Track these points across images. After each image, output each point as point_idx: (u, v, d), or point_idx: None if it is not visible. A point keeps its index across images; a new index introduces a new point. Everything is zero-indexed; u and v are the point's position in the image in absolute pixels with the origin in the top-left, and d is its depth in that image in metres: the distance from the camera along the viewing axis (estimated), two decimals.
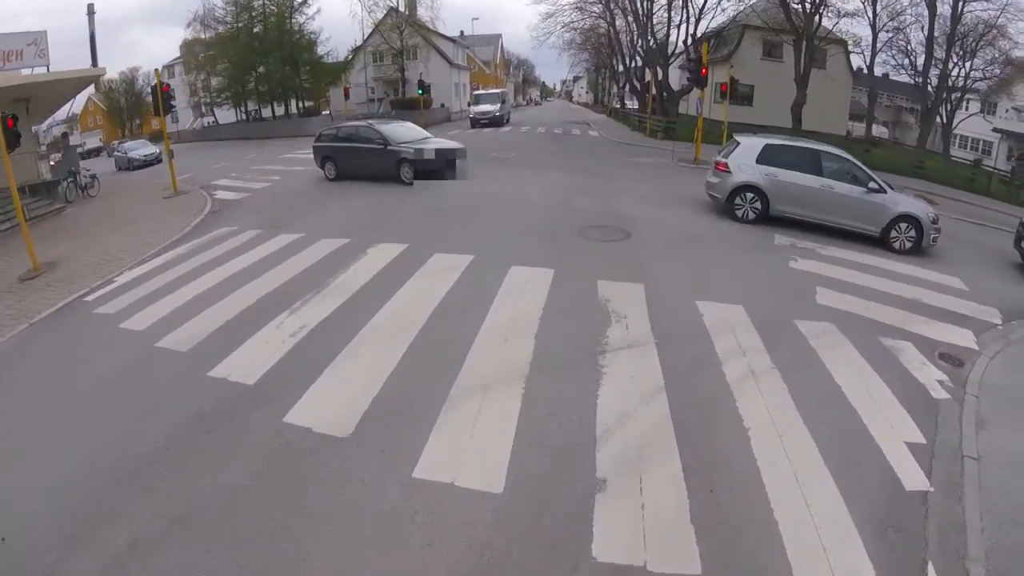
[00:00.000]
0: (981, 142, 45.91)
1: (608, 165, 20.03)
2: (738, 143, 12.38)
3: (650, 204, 13.41)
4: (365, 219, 12.50)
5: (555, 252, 9.78)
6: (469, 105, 43.47)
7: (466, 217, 12.30)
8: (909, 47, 33.78)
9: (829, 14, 30.00)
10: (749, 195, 11.95)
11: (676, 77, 37.55)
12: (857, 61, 40.57)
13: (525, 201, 13.70)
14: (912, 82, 35.98)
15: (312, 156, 18.57)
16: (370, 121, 17.43)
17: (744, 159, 12.02)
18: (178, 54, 56.39)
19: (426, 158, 15.90)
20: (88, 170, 22.31)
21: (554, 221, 11.77)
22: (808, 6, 28.89)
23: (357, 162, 17.06)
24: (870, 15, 31.32)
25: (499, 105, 38.81)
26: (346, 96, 36.95)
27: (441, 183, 15.86)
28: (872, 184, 11.26)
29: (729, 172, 12.11)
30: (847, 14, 30.90)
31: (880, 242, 11.29)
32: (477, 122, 37.99)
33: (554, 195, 14.29)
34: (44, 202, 18.62)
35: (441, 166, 16.10)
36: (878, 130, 60.82)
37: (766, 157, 11.87)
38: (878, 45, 32.55)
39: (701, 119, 19.88)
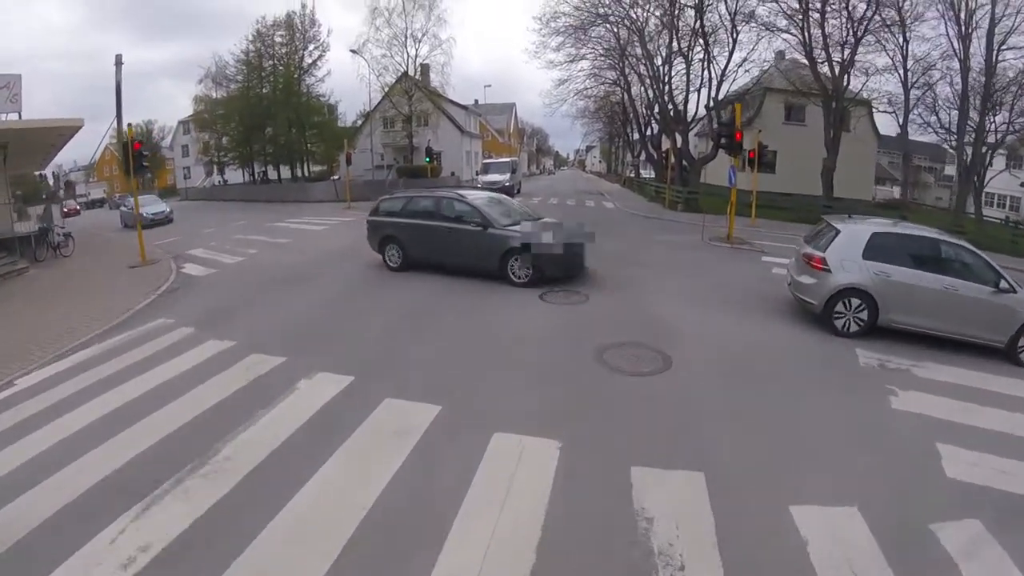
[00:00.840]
0: (1009, 198, 43.67)
1: (628, 243, 17.50)
2: (836, 231, 9.51)
3: (688, 303, 10.60)
4: (318, 318, 10.14)
5: (563, 398, 6.72)
6: (477, 174, 41.21)
7: (443, 325, 9.56)
8: (936, 104, 31.60)
9: (857, 72, 27.97)
10: (854, 301, 9.10)
11: (693, 144, 35.75)
12: (880, 122, 38.90)
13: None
14: (941, 140, 33.82)
15: (367, 235, 14.17)
16: (460, 192, 13.40)
17: (847, 253, 9.17)
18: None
19: (552, 250, 11.38)
20: (62, 228, 21.23)
21: (563, 333, 8.99)
22: (836, 65, 26.97)
23: (439, 248, 12.66)
24: (900, 73, 29.18)
25: (509, 175, 35.87)
26: (348, 162, 35.11)
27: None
28: (1002, 283, 8.63)
29: (828, 270, 9.22)
30: (877, 71, 28.82)
31: (1004, 355, 8.60)
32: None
33: None
34: (7, 260, 16.99)
35: (568, 260, 11.81)
36: (899, 191, 58.93)
37: (875, 250, 9.08)
38: (909, 103, 30.25)
39: (735, 192, 17.46)
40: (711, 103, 29.04)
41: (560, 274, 11.64)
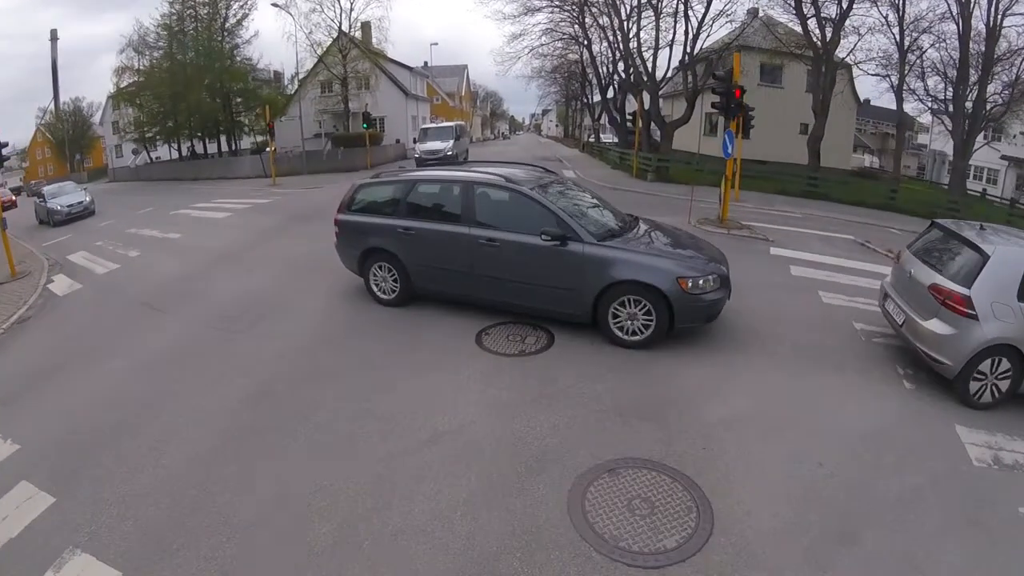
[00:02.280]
0: (986, 170, 41.64)
1: None
2: (981, 254, 5.89)
3: (709, 347, 7.02)
4: (126, 398, 6.41)
5: None
6: (414, 141, 34.56)
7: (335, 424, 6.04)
8: (924, 71, 28.79)
9: (846, 31, 24.81)
10: (1002, 363, 5.75)
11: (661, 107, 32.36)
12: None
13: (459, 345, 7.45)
14: (926, 108, 31.14)
15: (336, 243, 8.97)
16: (503, 173, 7.79)
17: (1000, 290, 5.69)
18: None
19: (716, 295, 6.80)
20: None
21: (505, 446, 5.28)
22: (825, 21, 23.76)
23: (474, 273, 7.53)
24: (895, 33, 26.07)
25: (451, 142, 30.43)
26: (270, 133, 30.60)
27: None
28: None
29: (973, 316, 5.71)
30: (869, 30, 25.75)
31: None
32: (423, 163, 27.89)
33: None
34: None
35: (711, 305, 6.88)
36: (869, 159, 57.12)
37: None
38: (905, 66, 27.21)
39: (732, 164, 14.10)
40: (686, 58, 25.56)
41: (698, 324, 7.07)
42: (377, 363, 6.54)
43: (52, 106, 68.00)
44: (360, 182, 8.85)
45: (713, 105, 14.13)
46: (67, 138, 65.69)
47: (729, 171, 13.84)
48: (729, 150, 13.88)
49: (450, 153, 29.19)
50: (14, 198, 35.00)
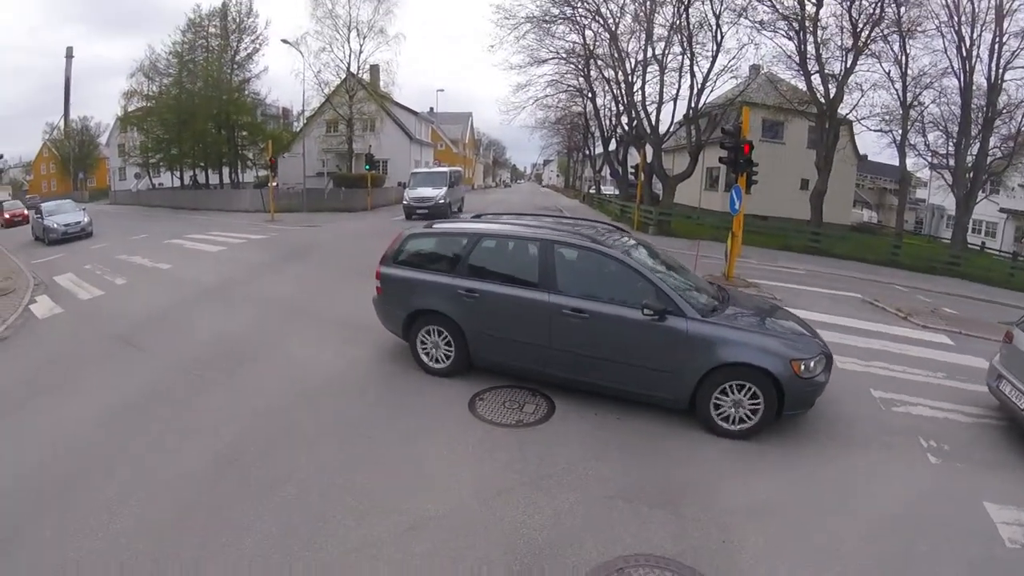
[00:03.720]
0: (985, 224, 41.69)
1: None
2: None
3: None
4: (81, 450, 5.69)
5: None
6: (403, 187, 30.77)
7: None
8: (925, 126, 28.99)
9: (849, 87, 24.94)
10: None
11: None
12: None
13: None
14: (927, 163, 31.24)
15: (377, 300, 7.82)
16: (590, 234, 6.94)
17: None
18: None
19: (819, 380, 6.01)
20: None
21: (499, 537, 4.62)
22: (829, 78, 23.88)
23: (551, 345, 6.50)
24: (898, 89, 26.24)
25: (444, 189, 27.56)
26: (272, 169, 30.41)
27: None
28: None
29: None
30: (872, 87, 25.93)
31: None
32: (413, 211, 26.94)
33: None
34: None
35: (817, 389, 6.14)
36: (868, 214, 57.23)
37: None
38: (907, 121, 27.34)
39: (739, 221, 13.72)
40: (690, 112, 25.59)
41: (802, 411, 6.22)
42: (358, 427, 5.89)
43: (61, 123, 68.56)
44: (410, 231, 7.75)
45: (721, 160, 13.85)
46: (72, 156, 65.84)
47: (736, 227, 13.45)
48: (736, 206, 13.53)
49: (442, 202, 26.96)
50: (25, 212, 34.29)
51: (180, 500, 4.67)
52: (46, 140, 72.83)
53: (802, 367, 5.72)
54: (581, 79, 34.19)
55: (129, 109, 43.95)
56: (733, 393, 5.84)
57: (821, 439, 6.02)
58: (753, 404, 5.83)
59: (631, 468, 5.27)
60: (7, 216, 28.67)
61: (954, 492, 5.30)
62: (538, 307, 6.41)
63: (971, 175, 25.92)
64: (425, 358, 7.30)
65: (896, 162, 30.75)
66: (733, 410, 5.89)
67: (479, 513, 4.53)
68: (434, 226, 7.96)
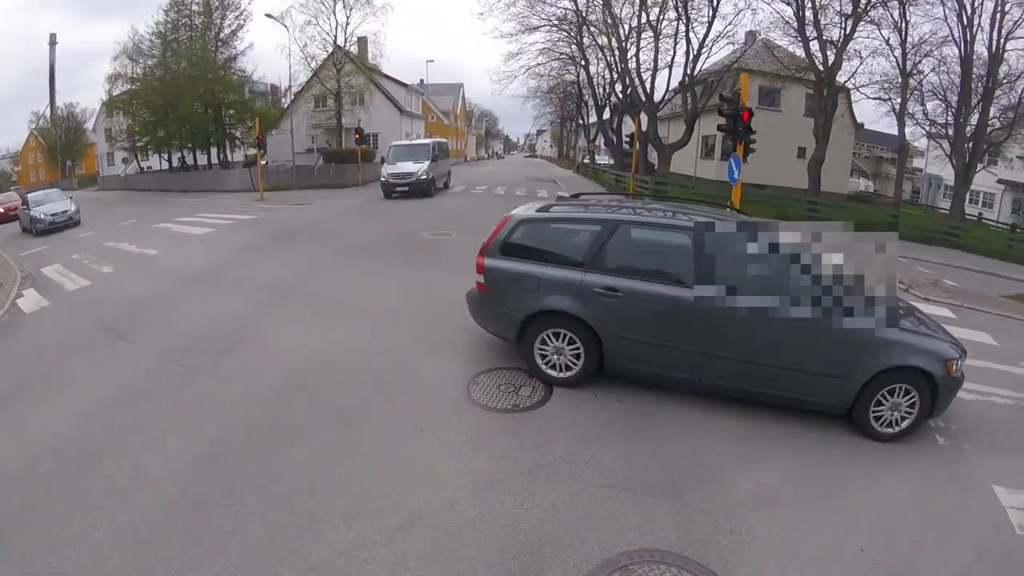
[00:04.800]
0: (982, 194, 41.38)
1: None
2: None
3: (718, 400, 6.09)
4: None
5: None
6: (382, 162, 27.68)
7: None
8: (924, 95, 28.57)
9: (848, 54, 24.45)
10: None
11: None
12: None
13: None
14: (926, 132, 30.89)
15: (474, 299, 6.89)
16: (749, 220, 6.55)
17: None
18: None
19: (960, 373, 5.82)
20: None
21: (495, 534, 4.45)
22: (828, 45, 23.35)
23: (716, 356, 5.74)
24: (897, 57, 25.73)
25: (426, 163, 24.93)
26: (260, 145, 29.86)
27: None
28: None
29: None
30: (871, 54, 25.45)
31: None
32: (392, 190, 24.65)
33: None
34: None
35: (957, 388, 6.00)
36: (864, 183, 56.86)
37: None
38: (907, 90, 26.88)
39: (738, 190, 13.40)
40: (686, 79, 25.11)
41: (941, 411, 5.88)
42: (348, 416, 5.67)
43: (47, 111, 67.29)
44: (522, 214, 6.58)
45: (719, 127, 13.47)
46: (59, 144, 64.76)
47: (735, 197, 13.15)
48: (735, 175, 13.19)
49: (424, 177, 24.57)
50: (17, 203, 32.70)
51: (164, 501, 4.47)
52: (32, 130, 71.51)
53: (955, 367, 5.50)
54: (574, 46, 33.61)
55: (114, 93, 42.88)
56: (895, 396, 5.53)
57: (828, 418, 5.83)
58: (909, 408, 5.55)
59: (633, 455, 5.07)
60: (2, 209, 27.86)
61: (963, 476, 5.17)
62: (696, 308, 5.56)
63: (970, 146, 25.58)
64: (544, 366, 6.28)
65: (894, 131, 30.41)
66: (891, 413, 5.57)
67: (474, 509, 4.33)
68: (553, 210, 6.75)
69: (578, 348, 6.09)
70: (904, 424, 5.58)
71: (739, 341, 5.56)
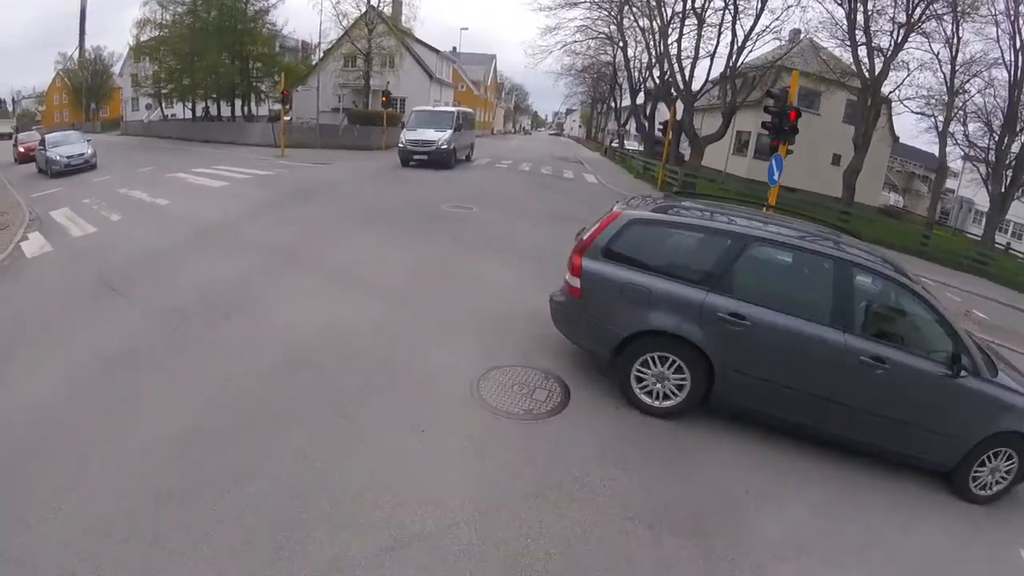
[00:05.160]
0: (1013, 224, 40.05)
1: None
2: None
3: (746, 422, 5.60)
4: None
5: None
6: (402, 126, 26.24)
7: None
8: (967, 116, 27.40)
9: (895, 66, 23.41)
10: None
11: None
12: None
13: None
14: (965, 155, 29.65)
15: (559, 308, 6.01)
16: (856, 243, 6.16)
17: None
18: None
19: None
20: None
21: (495, 568, 4.12)
22: (876, 51, 22.33)
23: (839, 403, 5.14)
24: (945, 72, 24.61)
25: (449, 132, 23.39)
26: (284, 100, 29.28)
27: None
28: None
29: None
30: (919, 67, 24.40)
31: None
32: (409, 157, 23.40)
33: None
34: None
35: None
36: (895, 198, 55.59)
37: None
38: (952, 107, 25.77)
39: (775, 193, 12.72)
40: (728, 71, 24.19)
41: None
42: (343, 406, 5.17)
43: (76, 53, 66.88)
44: (635, 213, 5.63)
45: (764, 125, 12.81)
46: (85, 86, 64.39)
47: (772, 199, 12.50)
48: (775, 176, 12.54)
49: (445, 147, 23.00)
50: (37, 143, 32.35)
51: (132, 490, 4.01)
52: (59, 71, 71.21)
53: None
54: (613, 27, 32.58)
55: (142, 38, 42.47)
56: (997, 459, 5.16)
57: (858, 460, 5.33)
58: (1007, 471, 5.20)
59: (653, 481, 4.58)
60: (22, 149, 27.52)
61: (989, 536, 4.99)
62: (830, 348, 4.95)
63: (1010, 174, 24.55)
64: (640, 392, 5.46)
65: (928, 147, 29.37)
66: (990, 477, 5.20)
67: (475, 534, 3.83)
68: (672, 211, 5.87)
69: (684, 377, 5.30)
70: (997, 488, 5.24)
71: (872, 391, 5.02)
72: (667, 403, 5.41)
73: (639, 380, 5.44)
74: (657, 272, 5.32)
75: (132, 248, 10.30)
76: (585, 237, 5.59)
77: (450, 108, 26.83)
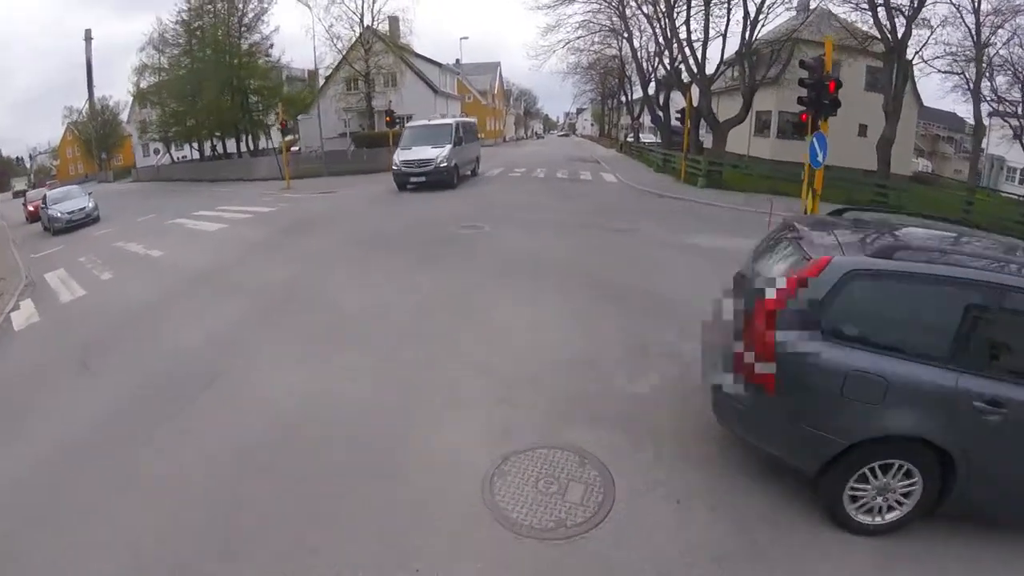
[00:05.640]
0: None
1: (665, 267, 10.90)
2: None
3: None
4: None
5: None
6: (397, 146, 22.86)
7: None
8: (992, 69, 25.39)
9: (917, 22, 21.52)
10: None
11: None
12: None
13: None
14: (992, 110, 27.58)
15: (751, 409, 4.12)
16: None
17: None
18: None
19: None
20: None
21: None
22: (895, 11, 20.50)
23: None
24: (972, 26, 22.69)
25: (447, 147, 20.83)
26: (284, 132, 28.49)
27: None
28: None
29: None
30: (943, 21, 22.52)
31: None
32: (405, 180, 20.82)
33: None
34: None
35: None
36: (923, 163, 53.09)
37: None
38: (981, 63, 23.82)
39: (821, 176, 11.24)
40: (743, 48, 22.60)
41: None
42: (311, 529, 3.92)
43: (86, 105, 67.71)
44: (852, 261, 3.78)
45: (800, 100, 11.38)
46: (94, 137, 64.98)
47: (819, 183, 11.04)
48: (819, 158, 11.09)
49: (445, 165, 20.38)
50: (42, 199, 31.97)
51: None
52: (69, 124, 72.26)
53: None
54: (615, 18, 31.23)
55: (142, 84, 42.73)
56: None
57: None
58: None
59: None
60: (31, 208, 26.96)
61: None
62: None
63: None
64: (856, 509, 3.89)
65: (954, 108, 27.44)
66: None
67: None
68: (900, 257, 3.75)
69: (913, 483, 3.78)
70: None
71: None
72: (890, 517, 3.89)
73: (855, 499, 3.88)
74: (889, 349, 3.67)
75: (116, 312, 9.68)
76: (775, 295, 3.76)
77: (447, 120, 24.10)
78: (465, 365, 6.26)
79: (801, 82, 11.15)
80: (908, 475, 3.75)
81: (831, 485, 3.86)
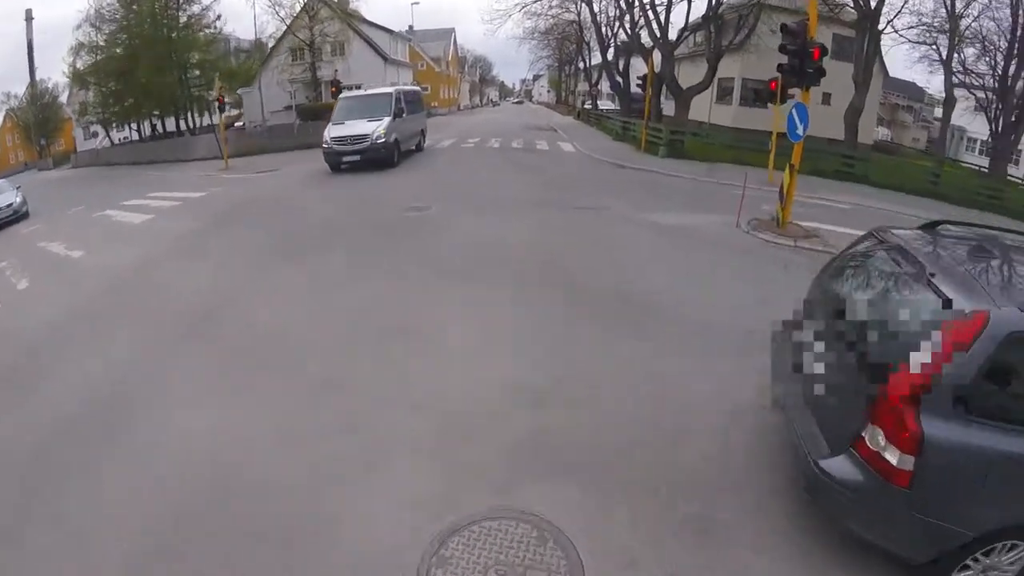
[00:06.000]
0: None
1: (621, 245, 10.14)
2: None
3: None
4: None
5: None
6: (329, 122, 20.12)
7: None
8: (962, 42, 25.17)
9: None
10: None
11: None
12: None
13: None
14: (961, 83, 27.41)
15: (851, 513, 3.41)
16: None
17: None
18: None
19: None
20: None
21: None
22: None
23: None
24: None
25: (386, 120, 18.55)
26: (220, 107, 26.63)
27: None
28: None
29: None
30: None
31: None
32: (338, 161, 18.43)
33: None
34: None
35: None
36: (883, 132, 53.37)
37: None
38: (956, 33, 23.51)
39: (799, 151, 10.50)
40: (710, 12, 21.70)
41: None
42: None
43: (27, 90, 63.58)
44: (1011, 315, 2.83)
45: (779, 68, 10.68)
46: (33, 122, 61.09)
47: (797, 158, 10.29)
48: (799, 130, 10.31)
49: (382, 140, 18.06)
50: None
51: None
52: (7, 110, 68.08)
53: None
54: None
55: (79, 64, 39.86)
56: None
57: None
58: None
59: None
60: None
61: None
62: None
63: (1019, 100, 22.35)
64: None
65: (917, 78, 27.33)
66: None
67: None
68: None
69: (1020, 556, 3.16)
70: None
71: None
72: None
73: None
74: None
75: (19, 333, 8.02)
76: (920, 370, 2.90)
77: (386, 89, 21.61)
78: (397, 404, 5.18)
79: (782, 48, 10.29)
80: (1013, 548, 3.14)
81: (935, 573, 3.23)
